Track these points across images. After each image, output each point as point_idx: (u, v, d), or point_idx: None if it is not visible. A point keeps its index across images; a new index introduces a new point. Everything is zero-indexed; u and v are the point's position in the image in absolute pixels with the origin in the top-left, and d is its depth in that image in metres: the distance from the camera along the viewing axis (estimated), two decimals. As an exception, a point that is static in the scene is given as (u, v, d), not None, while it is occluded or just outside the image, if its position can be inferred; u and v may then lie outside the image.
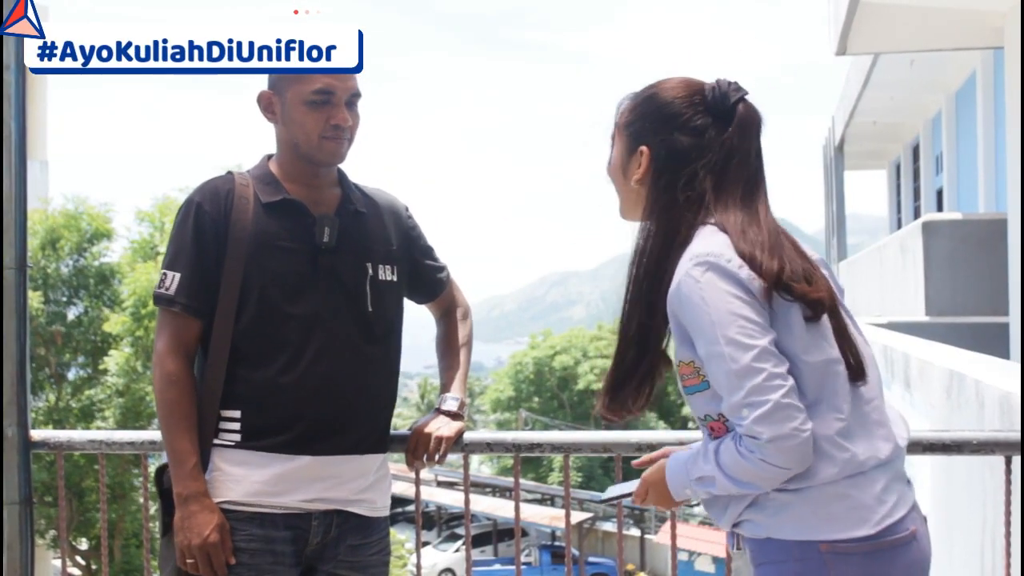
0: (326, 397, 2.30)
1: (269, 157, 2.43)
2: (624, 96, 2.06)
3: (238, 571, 2.25)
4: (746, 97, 1.96)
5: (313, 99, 2.30)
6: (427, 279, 2.57)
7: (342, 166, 2.44)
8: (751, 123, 1.95)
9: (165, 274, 2.31)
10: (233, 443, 2.28)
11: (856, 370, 1.88)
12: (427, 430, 2.44)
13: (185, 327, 2.30)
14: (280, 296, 2.28)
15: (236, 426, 2.28)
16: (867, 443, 1.83)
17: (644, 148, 1.97)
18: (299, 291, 2.30)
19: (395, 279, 2.42)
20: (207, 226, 2.29)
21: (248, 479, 2.27)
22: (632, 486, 2.13)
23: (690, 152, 1.93)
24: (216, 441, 2.28)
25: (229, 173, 2.39)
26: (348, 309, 2.33)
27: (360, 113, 2.38)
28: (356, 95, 2.35)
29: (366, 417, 2.37)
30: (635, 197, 2.01)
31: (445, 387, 2.54)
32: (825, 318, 1.87)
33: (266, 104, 2.38)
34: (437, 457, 2.43)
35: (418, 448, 2.43)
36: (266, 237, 2.30)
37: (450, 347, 2.60)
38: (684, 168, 1.94)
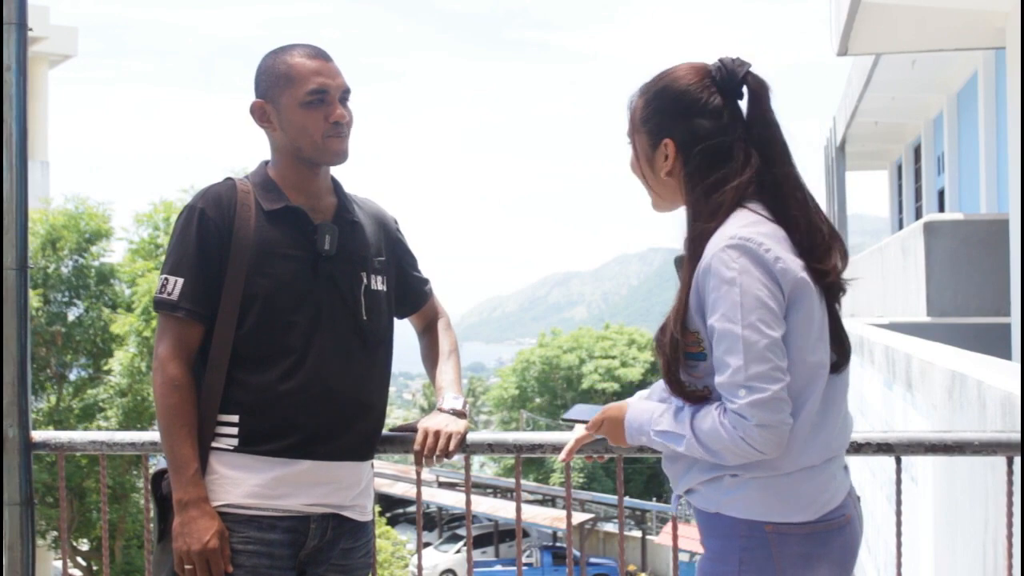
0: (326, 403, 2.30)
1: (266, 163, 2.43)
2: (633, 93, 2.11)
3: (235, 574, 2.25)
4: (751, 69, 2.03)
5: (309, 100, 2.31)
6: (413, 290, 2.59)
7: (336, 177, 2.46)
8: (761, 92, 2.03)
9: (167, 279, 2.30)
10: (231, 447, 2.28)
11: (840, 363, 2.01)
12: (435, 427, 2.42)
13: (188, 332, 2.29)
14: (283, 303, 2.29)
15: (234, 431, 2.28)
16: (826, 440, 1.99)
17: (668, 140, 2.03)
18: (301, 298, 2.31)
19: (385, 289, 2.45)
20: (211, 232, 2.29)
21: (247, 482, 2.27)
22: (592, 413, 2.22)
23: (713, 134, 2.01)
24: (213, 445, 2.28)
25: (229, 179, 2.38)
26: (345, 316, 2.35)
27: (352, 109, 2.39)
28: (347, 91, 2.37)
29: (362, 424, 2.38)
30: (668, 189, 2.07)
31: (444, 388, 2.53)
32: (826, 310, 1.99)
33: (260, 114, 2.37)
34: (451, 449, 2.40)
35: (426, 445, 2.40)
36: (269, 244, 2.31)
37: (440, 355, 2.60)
38: (710, 150, 2.00)
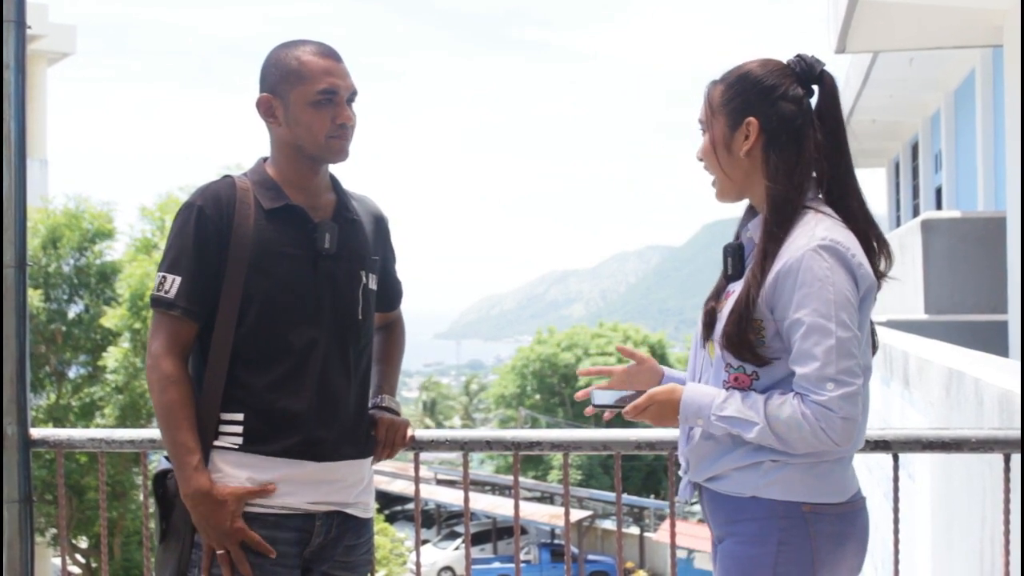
0: (327, 403, 2.31)
1: (264, 160, 2.42)
2: (709, 83, 2.17)
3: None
4: (825, 68, 2.13)
5: (318, 99, 2.29)
6: (392, 290, 2.59)
7: (333, 172, 2.45)
8: (835, 90, 2.14)
9: (164, 277, 2.29)
10: (235, 446, 2.27)
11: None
12: (395, 422, 2.50)
13: (183, 330, 2.29)
14: (283, 302, 2.29)
15: (238, 429, 2.27)
16: (861, 436, 2.07)
17: (752, 119, 2.10)
18: (302, 297, 2.30)
19: (375, 288, 2.45)
20: (209, 231, 2.28)
21: (252, 481, 2.26)
22: (619, 397, 2.20)
23: (796, 118, 2.09)
24: (216, 443, 2.28)
25: (228, 177, 2.37)
26: (344, 315, 2.35)
27: (356, 110, 2.38)
28: (354, 93, 2.36)
29: (361, 422, 2.40)
30: (741, 171, 2.13)
31: (384, 390, 2.56)
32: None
33: (266, 108, 2.35)
34: (406, 440, 2.52)
35: (388, 438, 2.48)
36: (269, 244, 2.30)
37: (391, 357, 2.63)
38: (793, 131, 2.09)
